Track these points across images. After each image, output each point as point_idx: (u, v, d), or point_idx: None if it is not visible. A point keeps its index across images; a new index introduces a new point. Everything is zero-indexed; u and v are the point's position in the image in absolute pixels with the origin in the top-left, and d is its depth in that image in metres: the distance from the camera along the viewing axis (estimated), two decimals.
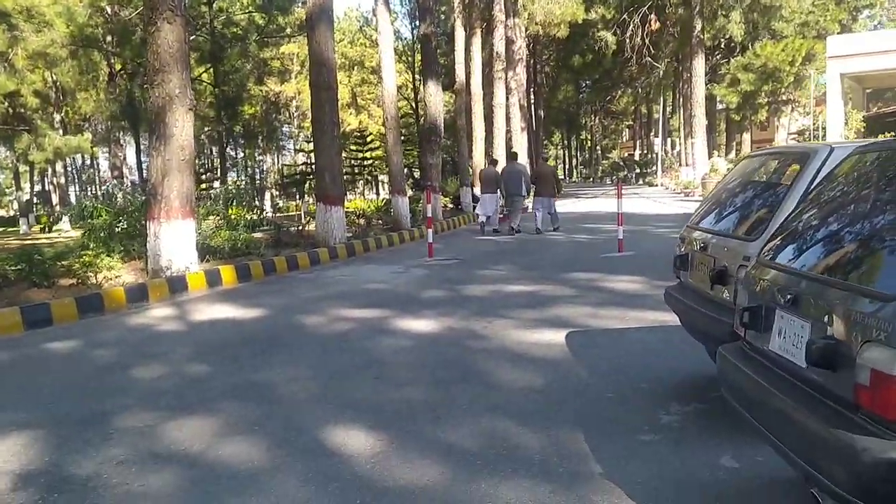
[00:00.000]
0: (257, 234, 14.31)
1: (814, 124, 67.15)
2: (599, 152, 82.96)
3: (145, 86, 10.11)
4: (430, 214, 14.11)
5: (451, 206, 24.18)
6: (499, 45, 27.26)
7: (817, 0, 38.39)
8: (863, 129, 30.66)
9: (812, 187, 3.62)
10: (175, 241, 9.92)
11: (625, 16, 34.52)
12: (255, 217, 16.26)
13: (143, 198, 11.75)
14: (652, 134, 70.32)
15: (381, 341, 6.52)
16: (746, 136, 47.98)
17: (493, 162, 20.09)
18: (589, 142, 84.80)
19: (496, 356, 5.82)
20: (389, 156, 18.81)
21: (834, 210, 2.86)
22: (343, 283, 10.36)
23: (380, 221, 19.06)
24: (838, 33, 42.12)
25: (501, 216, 18.26)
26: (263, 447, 4.03)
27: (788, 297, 2.67)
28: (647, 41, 33.39)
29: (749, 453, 3.66)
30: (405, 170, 25.42)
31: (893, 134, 38.87)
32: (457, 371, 5.43)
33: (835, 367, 2.34)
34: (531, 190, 18.26)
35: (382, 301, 8.58)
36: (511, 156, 20.04)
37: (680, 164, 37.19)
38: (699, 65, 29.45)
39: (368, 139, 39.41)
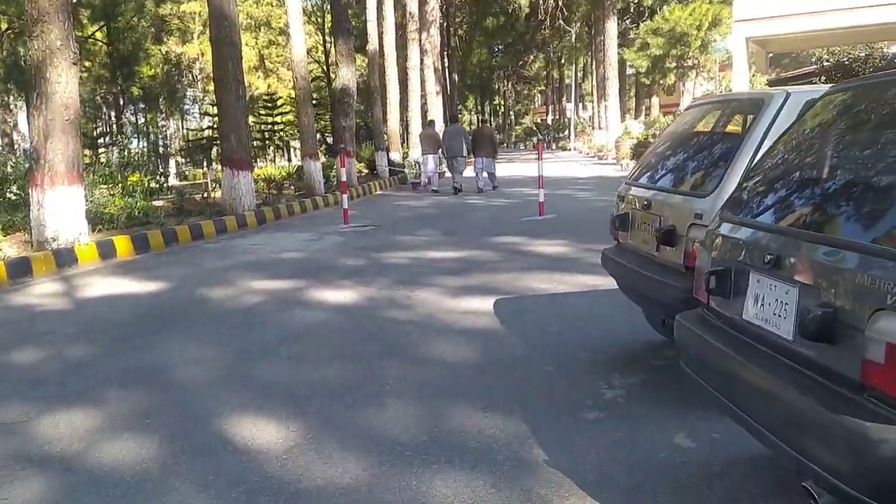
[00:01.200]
0: (158, 203, 13.31)
1: (717, 88, 69.12)
2: (513, 118, 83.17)
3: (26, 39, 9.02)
4: (344, 179, 13.47)
5: (365, 170, 23.46)
6: (412, 5, 26.44)
7: None
8: None
9: (774, 135, 3.30)
10: (61, 209, 8.97)
11: None
12: (154, 184, 15.16)
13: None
14: (564, 99, 71.02)
15: (294, 315, 5.96)
16: (655, 101, 48.94)
17: (431, 123, 20.98)
18: (502, 107, 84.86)
19: (422, 328, 5.37)
20: (300, 118, 17.88)
21: (817, 158, 2.49)
22: (252, 252, 9.66)
23: (292, 188, 18.21)
24: None
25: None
26: (154, 445, 3.45)
27: (769, 257, 2.29)
28: (559, 3, 33.17)
29: (704, 430, 3.35)
30: (318, 135, 24.48)
31: None
32: (380, 345, 4.95)
33: (833, 339, 1.98)
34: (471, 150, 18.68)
35: (295, 271, 7.98)
36: (452, 118, 20.79)
37: (593, 128, 37.45)
38: (612, 27, 29.50)
39: (278, 103, 37.89)
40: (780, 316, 2.24)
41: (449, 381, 4.19)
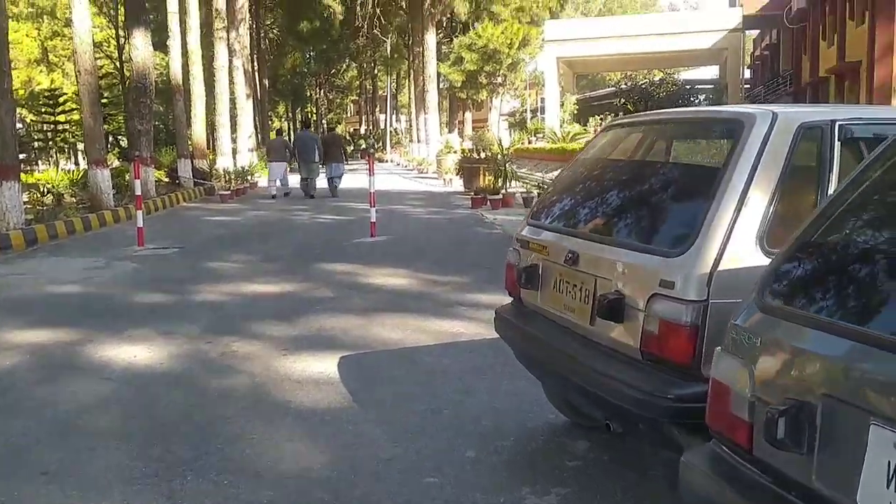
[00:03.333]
0: None
1: (522, 106, 72.20)
2: (325, 126, 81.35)
3: None
4: (139, 192, 11.42)
5: (166, 180, 20.96)
6: (219, 1, 24.28)
7: None
8: (576, 112, 32.78)
9: (767, 169, 2.37)
10: None
11: None
12: None
13: None
14: (378, 110, 70.44)
15: (61, 390, 4.32)
16: (469, 116, 49.63)
17: (279, 132, 23.69)
18: (314, 115, 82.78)
19: (245, 411, 3.96)
20: (85, 118, 15.34)
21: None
22: (13, 285, 7.61)
23: (74, 199, 15.58)
24: (548, 19, 45.05)
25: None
26: None
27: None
28: (377, 11, 32.25)
29: None
30: (109, 138, 21.57)
31: (603, 116, 42.31)
32: (186, 444, 3.50)
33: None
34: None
35: (70, 314, 6.19)
36: (303, 125, 23.68)
37: (411, 141, 36.91)
38: (431, 39, 29.05)
39: (62, 100, 33.64)
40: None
41: None
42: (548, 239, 3.11)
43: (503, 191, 14.71)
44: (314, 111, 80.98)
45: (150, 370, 4.69)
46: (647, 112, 4.99)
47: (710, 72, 43.64)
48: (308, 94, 72.34)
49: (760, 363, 1.68)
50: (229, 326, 5.69)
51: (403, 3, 35.64)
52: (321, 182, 18.56)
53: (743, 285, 1.95)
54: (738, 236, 2.33)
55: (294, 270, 8.18)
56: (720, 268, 2.30)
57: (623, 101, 40.55)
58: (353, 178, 22.07)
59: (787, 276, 1.76)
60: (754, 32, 39.03)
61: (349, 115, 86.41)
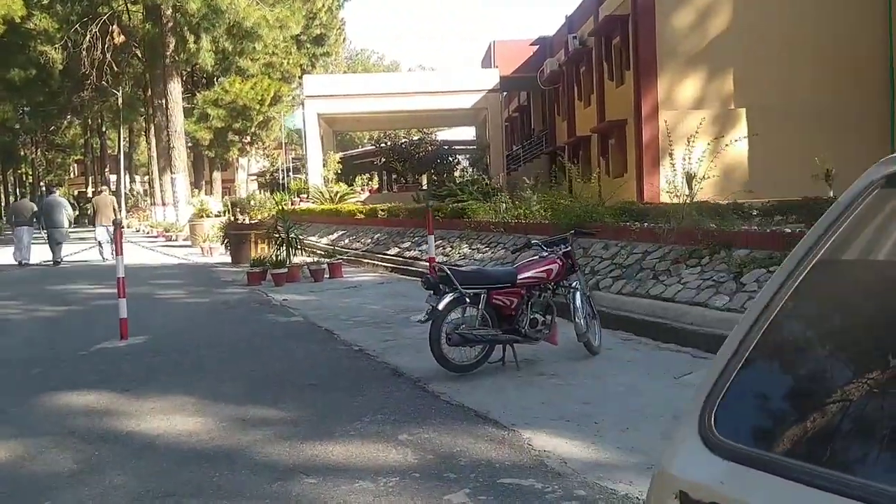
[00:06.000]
0: None
1: (272, 166, 69.33)
2: (43, 188, 71.52)
3: None
4: None
5: None
6: None
7: (281, 42, 38.18)
8: (340, 171, 31.01)
9: None
10: None
11: (77, 27, 28.47)
12: None
13: None
14: (108, 170, 63.17)
15: None
16: (218, 175, 45.89)
17: (23, 195, 23.19)
18: (30, 177, 72.56)
19: None
20: None
21: None
22: None
23: None
24: (299, 77, 43.28)
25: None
26: None
27: None
28: (107, 56, 28.01)
29: None
30: None
31: (370, 176, 40.95)
32: None
33: None
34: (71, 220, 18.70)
35: None
36: (48, 189, 22.14)
37: (153, 204, 32.55)
38: (176, 90, 25.59)
39: None
40: None
41: None
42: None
43: (289, 263, 12.21)
44: (29, 172, 71.03)
45: None
46: None
47: (468, 132, 44.62)
48: (22, 153, 63.16)
49: None
50: None
51: (139, 52, 31.70)
52: (39, 252, 17.26)
53: None
54: None
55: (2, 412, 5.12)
56: None
57: (384, 159, 39.75)
58: (73, 248, 18.17)
59: None
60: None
61: (73, 175, 77.38)
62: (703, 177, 9.51)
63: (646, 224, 9.62)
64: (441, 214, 14.53)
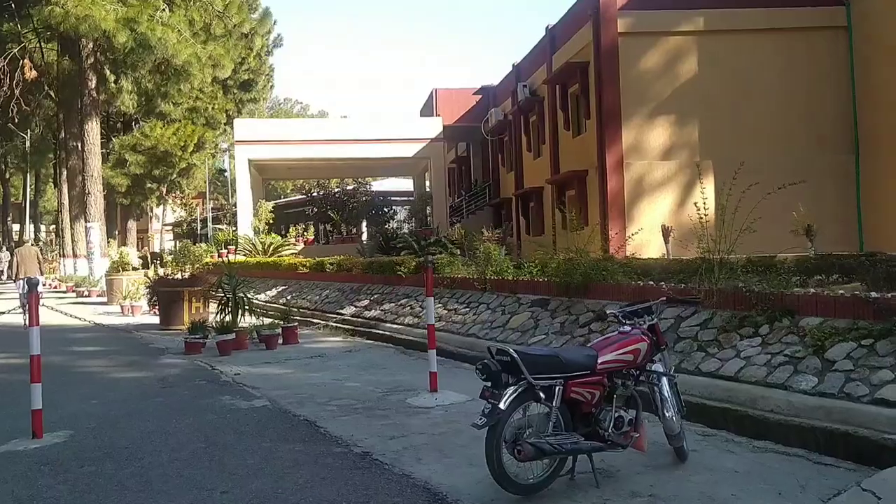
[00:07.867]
0: None
1: (189, 216, 66.12)
2: None
3: None
4: None
5: None
6: None
7: (207, 86, 36.25)
8: (272, 220, 29.06)
9: None
10: None
11: None
12: None
13: None
14: (10, 219, 58.76)
15: None
16: (133, 224, 42.86)
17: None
18: None
19: None
20: None
21: None
22: None
23: None
24: (224, 123, 41.21)
25: None
26: None
27: None
28: (15, 93, 25.42)
29: None
30: None
31: (305, 226, 38.90)
32: None
33: None
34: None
35: None
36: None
37: (63, 256, 29.61)
38: (94, 131, 23.23)
39: None
40: None
41: None
42: None
43: (236, 327, 10.36)
44: None
45: None
46: None
47: (403, 183, 43.25)
48: None
49: None
50: None
51: (52, 92, 29.23)
52: None
53: None
54: None
55: None
56: None
57: (316, 209, 37.97)
58: None
59: None
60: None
61: None
62: (704, 234, 8.34)
63: (662, 284, 8.39)
64: (405, 269, 13.01)
